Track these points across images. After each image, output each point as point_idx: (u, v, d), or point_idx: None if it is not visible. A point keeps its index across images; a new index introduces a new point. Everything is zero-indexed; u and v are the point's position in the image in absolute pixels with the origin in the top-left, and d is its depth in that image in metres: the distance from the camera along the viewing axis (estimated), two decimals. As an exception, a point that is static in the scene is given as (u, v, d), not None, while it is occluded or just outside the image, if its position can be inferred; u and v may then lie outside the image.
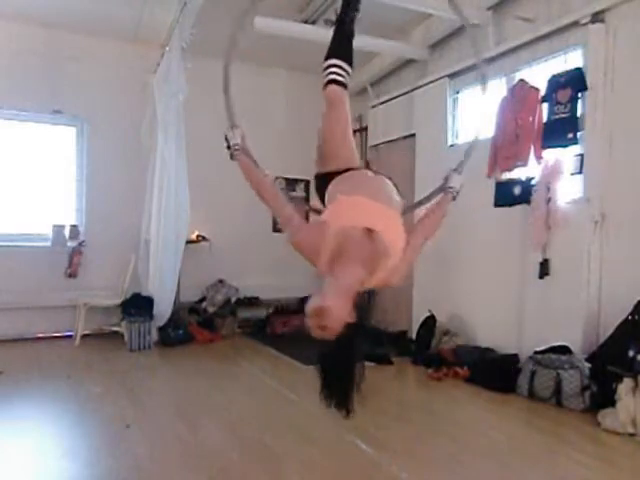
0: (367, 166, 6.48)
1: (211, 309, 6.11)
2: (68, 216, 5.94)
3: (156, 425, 3.39)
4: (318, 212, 2.24)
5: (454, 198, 2.24)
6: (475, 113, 5.14)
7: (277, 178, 6.38)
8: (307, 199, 6.64)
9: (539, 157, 4.29)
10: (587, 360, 3.76)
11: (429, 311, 5.25)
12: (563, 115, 4.11)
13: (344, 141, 2.26)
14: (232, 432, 3.23)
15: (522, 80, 4.48)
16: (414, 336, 5.36)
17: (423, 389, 4.40)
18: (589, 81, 3.96)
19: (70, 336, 5.54)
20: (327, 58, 2.28)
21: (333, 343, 1.61)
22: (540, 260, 4.28)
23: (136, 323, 5.30)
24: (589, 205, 3.95)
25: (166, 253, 5.37)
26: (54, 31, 5.62)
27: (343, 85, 2.24)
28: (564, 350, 3.87)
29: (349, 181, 2.06)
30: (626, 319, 3.60)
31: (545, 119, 4.27)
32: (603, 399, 3.48)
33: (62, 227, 5.79)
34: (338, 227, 1.74)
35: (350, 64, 2.29)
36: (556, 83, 4.18)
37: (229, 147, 2.15)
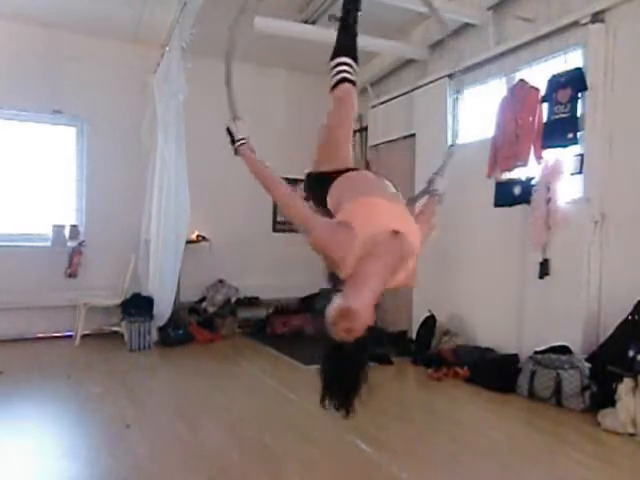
0: (367, 166, 6.50)
1: (211, 309, 6.11)
2: (68, 216, 5.93)
3: (156, 425, 3.39)
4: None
5: (440, 201, 2.25)
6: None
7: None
8: (307, 199, 6.63)
9: (539, 157, 4.29)
10: (587, 360, 3.76)
11: (429, 311, 5.25)
12: (563, 115, 4.11)
13: (346, 141, 2.27)
14: (232, 432, 3.23)
15: (522, 80, 4.48)
16: (414, 336, 5.37)
17: (423, 389, 4.41)
18: (589, 81, 3.96)
19: (70, 336, 5.53)
20: (335, 56, 2.27)
21: (350, 345, 1.60)
22: (540, 260, 4.28)
23: (136, 323, 5.30)
24: (589, 205, 3.95)
25: (166, 253, 5.37)
26: (54, 31, 5.62)
27: (353, 83, 2.25)
28: (564, 350, 3.87)
29: (358, 182, 2.03)
30: (626, 319, 3.60)
31: (545, 119, 4.27)
32: (603, 399, 3.48)
33: (62, 227, 5.79)
34: (368, 231, 1.71)
35: (356, 62, 2.29)
36: (556, 83, 4.18)
37: (233, 142, 1.97)
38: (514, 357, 4.30)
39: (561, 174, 4.13)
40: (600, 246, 3.94)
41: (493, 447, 3.11)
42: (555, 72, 4.23)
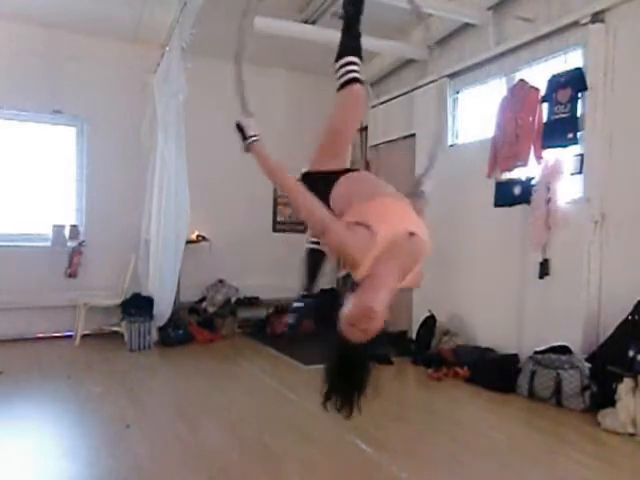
0: (367, 166, 6.50)
1: (211, 309, 6.11)
2: (68, 216, 5.93)
3: (156, 425, 3.39)
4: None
5: (427, 202, 2.27)
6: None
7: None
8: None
9: (539, 157, 4.29)
10: (587, 360, 3.76)
11: (429, 311, 5.25)
12: (563, 115, 4.11)
13: (350, 142, 2.27)
14: (232, 432, 3.23)
15: (522, 80, 4.48)
16: (414, 336, 5.37)
17: (423, 389, 4.41)
18: (589, 81, 3.96)
19: (70, 336, 5.53)
20: (341, 56, 2.26)
21: (360, 345, 1.60)
22: (540, 260, 4.28)
23: (136, 323, 5.30)
24: (589, 205, 3.95)
25: (166, 253, 5.37)
26: (54, 31, 5.62)
27: (362, 82, 2.25)
28: (564, 350, 3.87)
29: (364, 183, 2.03)
30: (626, 319, 3.60)
31: (545, 119, 4.27)
32: (603, 399, 3.48)
33: (62, 227, 5.79)
34: (387, 231, 1.71)
35: (361, 61, 2.30)
36: (556, 83, 4.18)
37: (245, 138, 1.88)
38: (514, 357, 4.30)
39: (561, 174, 4.13)
40: (600, 246, 3.93)
41: (493, 447, 3.11)
42: (555, 72, 4.23)
